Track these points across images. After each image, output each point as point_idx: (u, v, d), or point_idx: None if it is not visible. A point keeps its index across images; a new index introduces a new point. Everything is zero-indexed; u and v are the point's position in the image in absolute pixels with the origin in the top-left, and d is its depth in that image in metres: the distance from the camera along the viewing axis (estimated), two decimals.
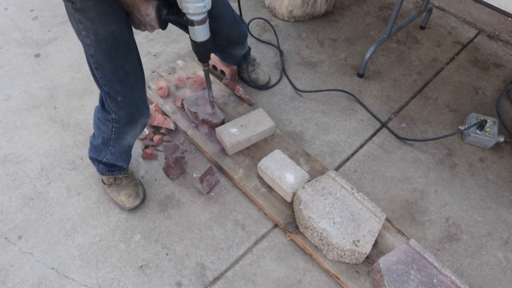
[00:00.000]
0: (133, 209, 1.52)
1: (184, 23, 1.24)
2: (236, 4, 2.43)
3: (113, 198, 1.53)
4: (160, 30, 2.23)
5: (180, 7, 1.18)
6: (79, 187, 1.60)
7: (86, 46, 1.12)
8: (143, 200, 1.53)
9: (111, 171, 1.49)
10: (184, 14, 1.20)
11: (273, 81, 2.01)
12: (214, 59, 1.95)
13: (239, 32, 1.61)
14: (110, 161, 1.44)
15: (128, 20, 1.19)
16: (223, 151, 1.66)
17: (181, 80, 1.87)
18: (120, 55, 1.16)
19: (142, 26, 1.22)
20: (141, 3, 1.14)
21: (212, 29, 1.33)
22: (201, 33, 1.27)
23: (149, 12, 1.16)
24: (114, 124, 1.27)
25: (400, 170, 1.69)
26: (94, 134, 1.41)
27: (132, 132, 1.34)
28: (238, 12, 1.66)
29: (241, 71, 1.96)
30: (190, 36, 1.30)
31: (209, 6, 1.20)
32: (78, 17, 1.07)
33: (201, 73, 1.94)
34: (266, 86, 1.97)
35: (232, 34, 1.58)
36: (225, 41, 1.59)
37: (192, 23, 1.22)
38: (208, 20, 1.26)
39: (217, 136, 1.67)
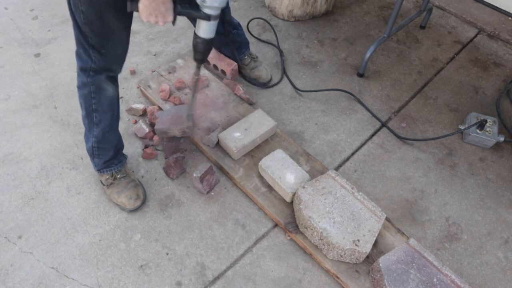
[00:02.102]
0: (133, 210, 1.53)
1: (198, 17, 1.22)
2: (235, 3, 2.44)
3: (113, 200, 1.53)
4: (160, 29, 2.25)
5: (199, 1, 1.17)
6: (79, 186, 1.60)
7: (77, 2, 1.10)
8: (143, 201, 1.53)
9: (107, 166, 1.50)
10: (197, 9, 1.20)
11: (273, 81, 2.01)
12: (215, 58, 1.95)
13: None
14: (99, 138, 1.42)
15: None
16: (222, 150, 1.66)
17: (181, 81, 1.87)
18: (110, 16, 1.15)
19: (153, 16, 1.13)
20: None
21: None
22: (212, 29, 1.28)
23: (165, 0, 1.11)
24: (90, 73, 1.27)
25: (400, 170, 1.69)
26: (81, 113, 1.41)
27: (107, 87, 1.34)
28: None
29: (242, 67, 1.96)
30: (196, 32, 1.29)
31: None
32: None
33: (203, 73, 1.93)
34: (267, 84, 1.97)
35: None
36: None
37: (209, 17, 1.21)
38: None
39: (220, 143, 1.66)
